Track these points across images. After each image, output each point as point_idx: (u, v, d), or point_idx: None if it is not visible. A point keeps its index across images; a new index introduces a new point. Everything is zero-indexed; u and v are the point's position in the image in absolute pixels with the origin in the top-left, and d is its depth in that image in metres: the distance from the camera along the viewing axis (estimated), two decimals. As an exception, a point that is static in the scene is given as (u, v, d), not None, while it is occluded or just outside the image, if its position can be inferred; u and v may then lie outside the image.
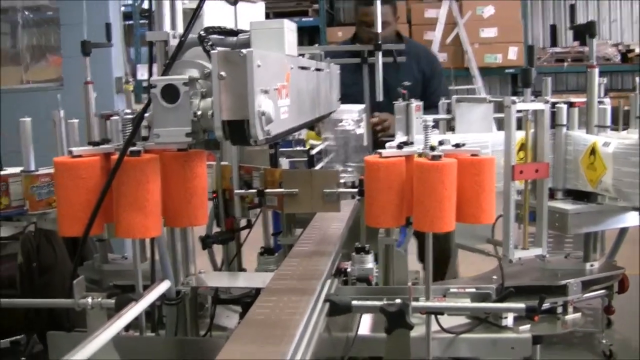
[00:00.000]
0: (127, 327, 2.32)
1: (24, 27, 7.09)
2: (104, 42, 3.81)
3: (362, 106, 3.48)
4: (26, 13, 7.08)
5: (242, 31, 1.97)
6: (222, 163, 2.97)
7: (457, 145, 2.24)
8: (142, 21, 10.73)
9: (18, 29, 7.16)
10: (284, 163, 3.11)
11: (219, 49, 1.63)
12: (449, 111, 3.44)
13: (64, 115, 3.12)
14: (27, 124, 3.08)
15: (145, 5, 10.55)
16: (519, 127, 2.69)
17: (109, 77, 6.28)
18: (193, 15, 1.88)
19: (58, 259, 3.49)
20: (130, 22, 10.67)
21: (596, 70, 3.02)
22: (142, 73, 9.24)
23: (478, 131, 3.01)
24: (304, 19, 10.80)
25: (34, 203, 3.04)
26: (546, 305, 2.78)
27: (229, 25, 2.04)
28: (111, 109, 3.61)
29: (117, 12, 6.53)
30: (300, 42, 2.26)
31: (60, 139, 3.08)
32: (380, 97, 3.54)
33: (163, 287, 2.13)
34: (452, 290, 2.51)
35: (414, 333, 2.21)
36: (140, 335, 2.42)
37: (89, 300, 2.07)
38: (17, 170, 3.13)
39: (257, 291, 2.17)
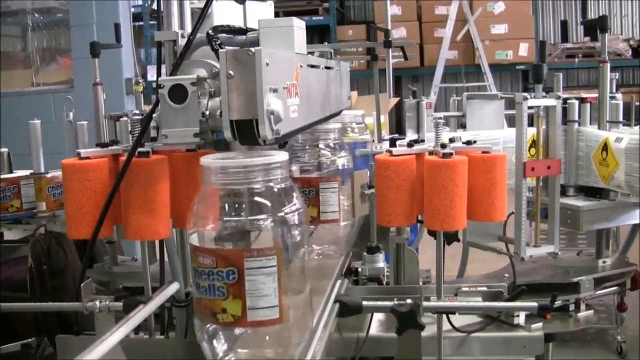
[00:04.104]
0: (137, 330, 2.32)
1: (34, 29, 7.10)
2: (113, 43, 3.81)
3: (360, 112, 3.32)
4: (36, 15, 7.08)
5: (250, 30, 1.96)
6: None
7: (468, 143, 2.22)
8: (152, 22, 10.73)
9: (28, 31, 7.16)
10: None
11: (227, 47, 1.62)
12: (459, 108, 3.44)
13: (74, 117, 3.13)
14: (37, 126, 3.08)
15: (155, 6, 10.55)
16: (531, 124, 2.68)
17: (119, 79, 6.28)
18: (201, 15, 1.87)
19: (69, 261, 3.49)
20: (141, 23, 10.67)
21: (607, 66, 3.01)
22: (153, 74, 9.23)
23: (489, 128, 3.01)
24: (314, 18, 10.80)
25: (50, 203, 3.05)
26: (558, 302, 2.77)
27: (239, 24, 2.03)
28: (121, 110, 3.61)
29: (127, 13, 6.52)
30: (311, 41, 2.26)
31: (69, 140, 3.08)
32: (391, 94, 3.52)
33: (172, 289, 2.11)
34: (463, 289, 2.50)
35: (425, 332, 2.19)
36: (149, 338, 2.41)
37: (97, 303, 2.06)
38: (27, 172, 3.14)
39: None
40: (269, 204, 1.46)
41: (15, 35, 7.47)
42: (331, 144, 2.27)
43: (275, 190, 1.48)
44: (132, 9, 7.76)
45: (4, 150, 3.31)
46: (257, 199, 1.46)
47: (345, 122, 3.07)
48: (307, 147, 2.27)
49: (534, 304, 2.13)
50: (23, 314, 3.62)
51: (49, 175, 3.08)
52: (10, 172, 3.24)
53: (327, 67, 2.44)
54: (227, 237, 1.48)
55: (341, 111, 2.86)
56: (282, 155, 1.49)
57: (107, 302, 2.07)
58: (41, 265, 3.43)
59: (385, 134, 4.00)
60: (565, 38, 11.09)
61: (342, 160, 2.30)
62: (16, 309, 2.62)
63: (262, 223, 1.47)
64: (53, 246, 3.46)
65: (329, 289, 1.96)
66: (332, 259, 2.15)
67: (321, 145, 2.25)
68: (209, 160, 1.47)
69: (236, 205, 1.47)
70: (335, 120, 2.91)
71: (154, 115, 1.80)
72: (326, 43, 3.38)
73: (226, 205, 1.48)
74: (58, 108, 5.11)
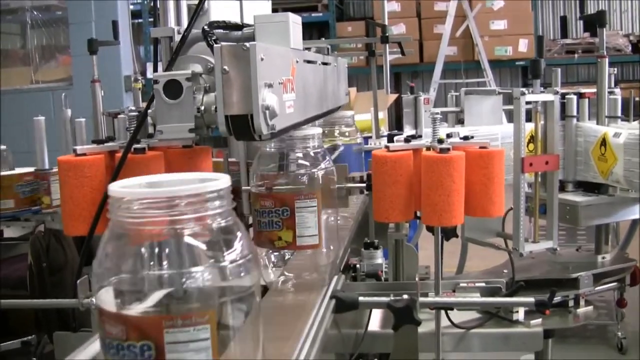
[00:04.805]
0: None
1: (33, 27, 7.11)
2: (110, 40, 3.81)
3: (350, 113, 3.21)
4: (35, 13, 7.09)
5: (246, 25, 1.95)
6: (230, 160, 2.96)
7: (465, 138, 2.21)
8: (151, 19, 10.72)
9: (27, 29, 7.16)
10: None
11: (222, 43, 1.62)
12: (458, 104, 3.43)
13: (71, 114, 3.13)
14: (41, 123, 3.09)
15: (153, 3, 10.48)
16: (529, 119, 2.67)
17: (118, 76, 6.29)
18: (195, 10, 1.87)
19: (68, 258, 3.49)
20: (140, 20, 10.67)
21: (606, 61, 3.00)
22: (152, 71, 9.21)
23: (487, 123, 3.00)
24: (313, 14, 10.79)
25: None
26: (558, 298, 2.76)
27: (236, 21, 2.02)
28: (120, 108, 3.61)
29: (126, 10, 6.53)
30: (310, 37, 2.25)
31: (67, 138, 3.08)
32: (388, 90, 3.51)
33: (169, 285, 2.11)
34: (461, 285, 2.50)
35: (424, 328, 2.19)
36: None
37: (93, 299, 2.05)
38: (29, 170, 3.15)
39: (265, 288, 2.15)
40: (203, 248, 1.05)
41: (14, 32, 7.48)
42: (311, 153, 1.94)
43: (213, 229, 1.06)
44: (131, 7, 7.76)
45: (3, 147, 3.31)
46: (186, 242, 1.04)
47: (334, 124, 3.03)
48: (281, 156, 1.93)
49: (531, 299, 2.12)
50: (23, 311, 3.62)
51: (53, 171, 3.09)
52: (12, 169, 3.24)
53: (324, 63, 2.43)
54: (142, 297, 1.03)
55: (339, 107, 2.85)
56: (222, 181, 1.08)
57: (104, 299, 2.06)
58: (41, 262, 3.43)
59: (384, 130, 4.00)
60: (564, 34, 11.06)
61: (324, 172, 1.94)
62: (13, 305, 2.61)
63: (193, 277, 1.03)
64: (52, 243, 3.46)
65: (326, 285, 1.95)
66: (312, 291, 1.90)
67: (298, 154, 1.93)
68: (118, 187, 1.07)
69: (156, 252, 1.04)
70: (323, 123, 2.86)
71: (150, 111, 1.80)
72: (323, 39, 3.36)
73: (142, 253, 1.04)
74: (57, 105, 5.12)
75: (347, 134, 3.03)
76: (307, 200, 1.86)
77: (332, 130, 3.02)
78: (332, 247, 1.99)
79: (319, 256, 1.97)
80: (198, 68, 1.73)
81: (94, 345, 1.45)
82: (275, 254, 1.99)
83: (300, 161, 1.92)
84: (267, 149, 1.93)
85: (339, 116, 2.99)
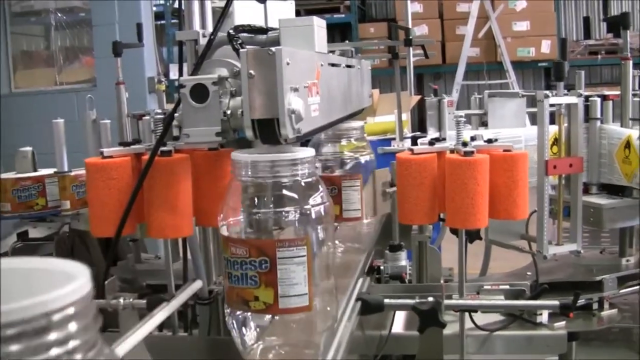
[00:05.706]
0: (161, 327, 2.33)
1: (57, 29, 7.15)
2: (135, 43, 3.82)
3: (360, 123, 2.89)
4: (59, 15, 7.12)
5: (271, 29, 1.97)
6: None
7: (489, 141, 2.22)
8: (174, 21, 10.77)
9: (51, 30, 7.21)
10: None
11: (248, 47, 1.63)
12: (481, 106, 3.43)
13: (96, 116, 3.15)
14: (60, 126, 3.11)
15: (177, 5, 10.53)
16: (553, 122, 2.67)
17: (141, 77, 6.31)
18: (222, 14, 1.88)
19: (92, 259, 3.51)
20: (163, 22, 10.70)
21: (630, 63, 2.99)
22: (175, 72, 9.23)
23: (511, 126, 2.99)
24: (335, 16, 10.79)
25: (74, 202, 3.08)
26: (581, 301, 2.75)
27: (260, 23, 2.04)
28: (144, 109, 3.62)
29: (149, 12, 6.54)
30: (332, 39, 2.25)
31: (93, 139, 3.10)
32: (412, 92, 3.52)
33: (195, 286, 2.13)
34: (485, 287, 2.50)
35: (448, 330, 2.19)
36: (172, 335, 2.42)
37: (121, 300, 2.07)
38: (51, 171, 3.17)
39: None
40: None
41: (38, 34, 7.53)
42: (301, 183, 1.56)
43: None
44: (154, 8, 7.79)
45: (29, 149, 3.33)
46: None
47: (340, 137, 2.81)
48: (259, 187, 1.56)
49: (556, 302, 2.12)
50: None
51: (72, 174, 3.11)
52: (35, 170, 3.26)
53: (348, 66, 2.44)
54: None
55: (362, 109, 2.86)
56: (77, 289, 0.72)
57: (131, 300, 2.08)
58: (65, 263, 3.45)
59: (407, 132, 4.01)
60: (587, 35, 11.00)
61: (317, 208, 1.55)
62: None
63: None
64: (77, 244, 3.49)
65: (351, 287, 1.96)
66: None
67: (284, 184, 1.55)
68: None
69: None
70: (330, 136, 2.73)
71: (176, 114, 1.81)
72: (347, 41, 3.33)
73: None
74: (81, 107, 5.16)
75: (356, 149, 2.74)
76: (293, 249, 1.46)
77: (340, 145, 2.75)
78: (329, 309, 1.62)
79: (311, 319, 1.59)
80: (224, 72, 1.74)
81: (125, 344, 1.46)
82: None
83: (285, 192, 1.54)
84: (242, 178, 1.57)
85: (345, 128, 2.69)
